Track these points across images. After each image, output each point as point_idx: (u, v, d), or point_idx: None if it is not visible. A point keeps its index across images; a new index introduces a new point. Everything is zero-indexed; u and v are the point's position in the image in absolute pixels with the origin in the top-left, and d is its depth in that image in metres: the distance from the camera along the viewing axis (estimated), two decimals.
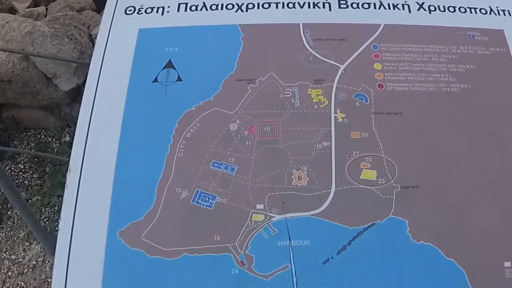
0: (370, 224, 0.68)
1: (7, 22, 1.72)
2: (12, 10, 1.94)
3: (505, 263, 0.67)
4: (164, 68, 0.79)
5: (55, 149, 1.82)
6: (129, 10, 0.85)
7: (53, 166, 1.78)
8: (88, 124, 0.76)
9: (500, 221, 0.69)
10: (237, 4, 0.84)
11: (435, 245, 0.67)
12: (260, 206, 0.69)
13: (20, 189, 1.72)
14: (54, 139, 1.86)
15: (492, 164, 0.72)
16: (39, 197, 1.76)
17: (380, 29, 0.82)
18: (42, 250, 1.61)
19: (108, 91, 0.79)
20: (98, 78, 0.80)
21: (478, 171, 0.71)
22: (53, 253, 0.72)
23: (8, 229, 1.68)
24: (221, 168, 0.70)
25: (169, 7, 0.85)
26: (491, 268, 0.66)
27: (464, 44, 0.81)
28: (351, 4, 0.84)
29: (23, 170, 1.82)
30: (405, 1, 0.84)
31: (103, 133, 0.75)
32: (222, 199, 0.69)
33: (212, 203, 0.69)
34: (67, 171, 0.72)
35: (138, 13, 0.85)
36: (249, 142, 0.72)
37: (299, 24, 0.83)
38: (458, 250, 0.67)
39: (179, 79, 0.77)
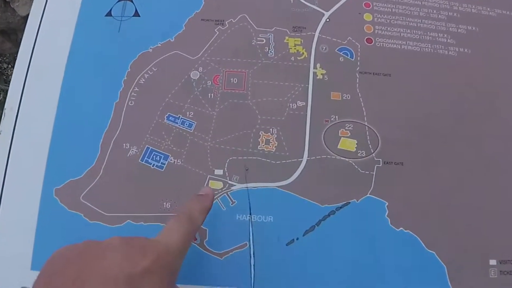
0: (344, 203, 0.58)
1: None
2: None
3: (491, 261, 0.57)
4: (119, 0, 0.63)
5: (10, 76, 1.65)
6: None
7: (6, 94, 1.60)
8: (28, 61, 0.63)
9: (490, 212, 0.59)
10: None
11: (416, 234, 0.57)
12: (219, 172, 0.58)
13: None
14: (9, 66, 1.68)
15: (489, 143, 0.62)
16: None
17: None
18: None
19: (54, 23, 0.65)
20: (44, 7, 0.66)
21: (473, 152, 0.61)
22: None
23: None
24: (177, 123, 0.58)
25: None
26: (475, 266, 0.57)
27: (468, 1, 0.68)
28: None
29: None
30: None
31: (45, 72, 0.62)
32: (175, 160, 0.58)
33: (164, 164, 0.58)
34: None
35: None
36: (212, 95, 0.60)
37: None
38: (441, 242, 0.57)
39: (136, 14, 0.63)
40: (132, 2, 0.64)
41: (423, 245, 0.56)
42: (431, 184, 0.59)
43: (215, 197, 0.56)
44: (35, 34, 0.64)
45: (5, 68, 1.71)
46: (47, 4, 0.66)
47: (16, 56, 0.60)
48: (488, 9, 0.68)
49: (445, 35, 0.65)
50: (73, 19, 0.65)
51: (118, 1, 0.64)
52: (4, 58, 1.72)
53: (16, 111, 0.60)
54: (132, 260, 0.36)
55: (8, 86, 0.58)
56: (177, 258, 0.40)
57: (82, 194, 0.56)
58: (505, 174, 0.60)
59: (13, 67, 1.65)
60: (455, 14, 0.66)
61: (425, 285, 0.55)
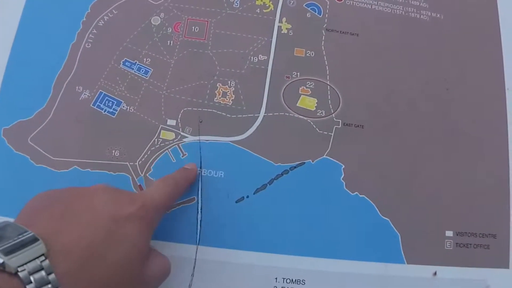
0: (299, 163, 0.51)
1: None
2: None
3: (447, 232, 0.52)
4: None
5: None
6: None
7: None
8: None
9: (448, 183, 0.53)
10: None
11: (371, 200, 0.51)
12: (171, 122, 0.52)
13: None
14: None
15: (456, 111, 0.56)
16: None
17: None
18: None
19: None
20: None
21: (438, 119, 0.55)
22: None
23: None
24: (133, 68, 0.51)
25: None
26: (430, 236, 0.52)
27: None
28: None
29: None
30: None
31: (3, 7, 0.55)
32: (128, 107, 0.52)
33: (116, 110, 0.51)
34: None
35: None
36: (172, 42, 0.53)
37: None
38: (396, 209, 0.51)
39: None
40: None
41: (378, 212, 0.51)
42: (391, 150, 0.53)
43: (165, 148, 0.50)
44: None
45: None
46: None
47: None
48: None
49: None
50: None
51: None
52: None
53: None
54: (119, 204, 0.35)
55: None
56: (159, 212, 0.40)
57: (31, 136, 0.50)
58: (470, 144, 0.55)
59: None
60: None
61: (376, 252, 0.50)
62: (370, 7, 0.57)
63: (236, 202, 0.50)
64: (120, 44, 0.53)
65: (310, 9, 0.56)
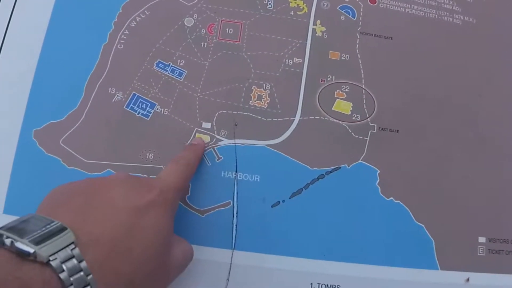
0: (334, 167, 0.50)
1: None
2: None
3: (480, 238, 0.51)
4: None
5: None
6: None
7: None
8: None
9: (483, 189, 0.52)
10: None
11: (406, 205, 0.50)
12: (206, 125, 0.50)
13: None
14: None
15: (486, 118, 0.55)
16: None
17: None
18: None
19: None
20: None
21: (469, 125, 0.54)
22: None
23: None
24: (166, 70, 0.50)
25: None
26: (463, 242, 0.51)
27: None
28: None
29: None
30: None
31: (32, 7, 0.54)
32: (162, 109, 0.50)
33: (150, 112, 0.50)
34: None
35: None
36: (206, 44, 0.52)
37: None
38: (431, 215, 0.50)
39: None
40: None
41: (412, 217, 0.50)
42: (426, 155, 0.52)
43: None
44: None
45: None
46: None
47: None
48: None
49: (451, 2, 0.58)
50: None
51: None
52: None
53: (1, 41, 0.52)
54: (138, 192, 0.35)
55: None
56: (176, 195, 0.40)
57: (62, 138, 0.49)
58: (500, 151, 0.54)
59: None
60: None
61: (411, 258, 0.49)
62: (403, 10, 0.56)
63: (272, 206, 0.49)
64: (153, 45, 0.52)
65: (344, 11, 0.55)
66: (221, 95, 0.50)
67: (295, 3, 0.54)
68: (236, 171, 0.49)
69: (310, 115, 0.51)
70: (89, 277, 0.29)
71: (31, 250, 0.28)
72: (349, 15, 0.55)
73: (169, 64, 0.51)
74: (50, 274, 0.28)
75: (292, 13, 0.54)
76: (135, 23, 0.52)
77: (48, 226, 0.30)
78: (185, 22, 0.53)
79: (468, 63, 0.56)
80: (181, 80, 0.50)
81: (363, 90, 0.52)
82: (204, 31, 0.53)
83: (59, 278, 0.28)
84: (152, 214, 0.35)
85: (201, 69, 0.51)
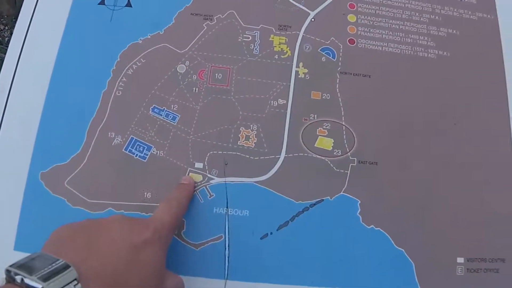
0: (318, 200, 0.54)
1: None
2: None
3: (458, 258, 0.54)
4: None
5: (6, 38, 1.58)
6: None
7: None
8: (22, 43, 0.59)
9: (459, 212, 0.56)
10: None
11: (386, 232, 0.54)
12: (199, 165, 0.55)
13: None
14: (7, 27, 1.61)
15: (462, 144, 0.59)
16: None
17: None
18: None
19: (49, 9, 0.61)
20: None
21: (448, 154, 0.58)
22: None
23: None
24: (161, 115, 0.54)
25: None
26: (442, 263, 0.54)
27: (450, 4, 0.64)
28: None
29: None
30: None
31: (37, 56, 0.58)
32: (158, 151, 0.55)
33: (147, 155, 0.54)
34: None
35: None
36: (197, 89, 0.56)
37: None
38: (410, 239, 0.54)
39: (128, 4, 0.58)
40: None
41: (393, 243, 0.54)
42: (404, 184, 0.56)
43: (195, 190, 0.53)
44: (29, 18, 0.60)
45: (1, 30, 1.62)
46: None
47: (14, 19, 0.56)
48: (470, 12, 0.64)
49: (426, 38, 0.61)
50: (67, 6, 0.61)
51: None
52: (2, 20, 1.63)
53: (7, 92, 0.56)
54: (135, 231, 0.39)
55: (4, 54, 0.54)
56: (169, 233, 0.44)
57: (67, 180, 0.53)
58: (477, 173, 0.58)
59: (10, 29, 1.59)
60: (437, 17, 0.62)
61: (393, 282, 0.53)
62: (381, 48, 0.60)
63: (261, 238, 0.52)
64: (149, 91, 0.56)
65: (325, 53, 0.59)
66: (212, 137, 0.55)
67: (279, 47, 0.58)
68: (227, 207, 0.53)
69: (294, 152, 0.55)
70: None
71: (40, 286, 0.32)
72: (330, 56, 0.59)
73: (164, 109, 0.55)
74: None
75: (277, 57, 0.58)
76: (132, 71, 0.57)
77: (53, 264, 0.34)
78: (177, 69, 0.57)
79: (444, 95, 0.60)
80: (175, 124, 0.55)
81: (343, 126, 0.56)
82: (196, 77, 0.57)
83: None
84: (148, 251, 0.39)
85: (193, 113, 0.55)
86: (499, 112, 0.60)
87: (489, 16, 0.64)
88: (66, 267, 0.34)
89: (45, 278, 0.32)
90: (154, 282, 0.40)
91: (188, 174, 0.53)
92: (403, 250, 0.54)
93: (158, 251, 0.40)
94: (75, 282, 0.33)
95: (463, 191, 0.56)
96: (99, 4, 0.60)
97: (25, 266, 0.33)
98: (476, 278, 0.54)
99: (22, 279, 0.32)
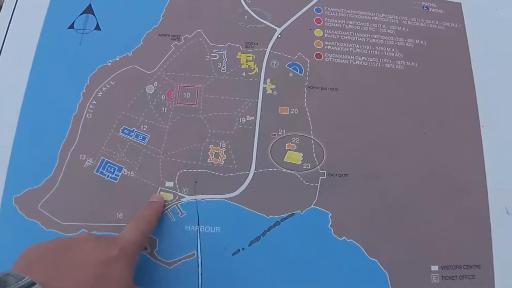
0: (289, 214, 0.55)
1: None
2: None
3: (432, 266, 0.55)
4: (82, 13, 0.62)
5: None
6: None
7: None
8: None
9: (431, 221, 0.57)
10: None
11: (358, 243, 0.55)
12: (169, 184, 0.56)
13: None
14: None
15: (433, 153, 0.60)
16: None
17: None
18: None
19: (20, 33, 0.62)
20: (10, 18, 0.63)
21: (415, 163, 0.59)
22: None
23: None
24: (131, 136, 0.55)
25: None
26: (416, 271, 0.55)
27: (417, 15, 0.65)
28: None
29: None
30: None
31: (9, 80, 0.60)
32: (129, 172, 0.56)
33: (118, 175, 0.56)
34: None
35: None
36: (166, 109, 0.57)
37: None
38: (383, 249, 0.55)
39: (97, 27, 0.60)
40: (94, 15, 0.60)
41: (365, 254, 0.55)
42: (375, 194, 0.57)
43: (165, 209, 0.54)
44: (1, 44, 0.62)
45: None
46: (13, 15, 0.63)
47: None
48: (437, 22, 0.65)
49: (393, 49, 0.62)
50: (37, 32, 0.62)
51: (80, 14, 0.60)
52: None
53: None
54: (102, 249, 0.41)
55: None
56: (137, 251, 0.45)
57: (40, 203, 0.54)
58: (449, 182, 0.59)
59: None
60: (403, 28, 0.63)
61: None
62: (348, 62, 0.62)
63: (233, 254, 0.53)
64: (119, 113, 0.57)
65: (292, 68, 0.61)
66: (181, 156, 0.56)
67: (247, 64, 0.60)
68: (198, 225, 0.54)
69: (263, 168, 0.56)
70: None
71: None
72: (297, 71, 0.60)
73: (134, 129, 0.57)
74: None
75: (244, 74, 0.60)
76: (101, 93, 0.58)
77: (20, 282, 0.35)
78: (146, 89, 0.58)
79: (413, 105, 0.61)
80: (145, 144, 0.56)
81: (312, 140, 0.57)
82: (164, 97, 0.58)
83: None
84: (115, 268, 0.40)
85: (162, 132, 0.57)
86: (470, 119, 0.62)
87: (456, 25, 0.66)
88: (31, 284, 0.35)
89: None
90: None
91: (159, 193, 0.54)
92: (376, 260, 0.55)
93: (125, 268, 0.41)
94: None
95: (435, 199, 0.58)
96: (68, 28, 0.61)
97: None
98: (451, 285, 0.55)
99: None
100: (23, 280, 0.35)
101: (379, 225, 0.56)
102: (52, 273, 0.37)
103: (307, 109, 0.59)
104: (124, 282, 0.41)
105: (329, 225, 0.55)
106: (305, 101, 0.59)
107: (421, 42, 0.64)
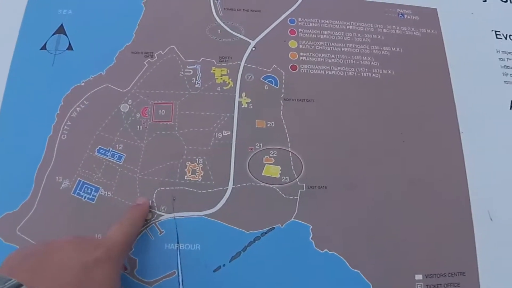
0: (269, 228, 0.56)
1: None
2: None
3: (416, 275, 0.56)
4: (54, 33, 0.62)
5: None
6: None
7: None
8: None
9: (414, 229, 0.58)
10: None
11: (340, 255, 0.55)
12: None
13: None
14: None
15: (412, 161, 0.60)
16: None
17: (300, 0, 0.65)
18: None
19: None
20: None
21: (395, 172, 0.59)
22: None
23: None
24: (107, 155, 0.56)
25: None
26: (400, 281, 0.55)
27: (392, 23, 0.65)
28: None
29: None
30: None
31: None
32: (106, 192, 0.56)
33: (95, 196, 0.56)
34: None
35: None
36: (141, 127, 0.57)
37: None
38: (365, 260, 0.55)
39: (70, 47, 0.60)
40: (66, 35, 0.60)
41: (348, 265, 0.55)
42: (355, 205, 0.57)
43: (144, 228, 0.54)
44: None
45: None
46: None
47: None
48: (413, 29, 0.65)
49: (369, 58, 0.63)
50: (9, 53, 0.62)
51: (52, 35, 0.60)
52: None
53: None
54: (86, 251, 0.40)
55: None
56: (122, 253, 0.46)
57: (18, 227, 0.54)
58: (430, 189, 0.59)
59: None
60: (379, 36, 0.64)
61: None
62: (323, 72, 0.62)
63: (214, 271, 0.53)
64: (93, 133, 0.58)
65: (267, 81, 0.61)
66: (158, 173, 0.56)
67: (221, 79, 0.60)
68: (178, 242, 0.54)
69: (242, 183, 0.56)
70: None
71: None
72: (272, 84, 0.61)
73: (109, 149, 0.57)
74: None
75: (219, 89, 0.60)
76: (76, 114, 0.58)
77: (7, 284, 0.35)
78: (121, 108, 0.59)
79: (391, 113, 0.62)
80: (121, 163, 0.56)
81: (290, 153, 0.58)
82: (139, 115, 0.58)
83: None
84: (99, 270, 0.40)
85: (138, 151, 0.57)
86: (449, 126, 0.62)
87: (433, 31, 0.66)
88: (18, 286, 0.35)
89: None
90: None
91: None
92: (359, 271, 0.55)
93: (110, 270, 0.42)
94: None
95: (416, 208, 0.58)
96: (41, 49, 0.61)
97: None
98: None
99: None
100: (10, 282, 0.35)
101: (361, 235, 0.56)
102: (36, 276, 0.37)
103: (284, 122, 0.59)
104: (110, 285, 0.41)
105: (310, 238, 0.55)
106: (281, 113, 0.59)
107: (398, 49, 0.64)
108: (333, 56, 0.63)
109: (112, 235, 0.46)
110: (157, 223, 0.55)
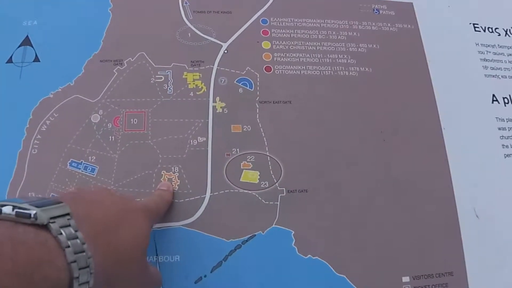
0: (250, 235, 0.56)
1: None
2: None
3: (403, 278, 0.57)
4: (20, 45, 0.63)
5: None
6: None
7: None
8: None
9: (398, 230, 0.59)
10: None
11: (324, 260, 0.56)
12: None
13: None
14: None
15: (394, 160, 0.62)
16: None
17: None
18: None
19: None
20: None
21: (377, 172, 0.60)
22: None
23: None
24: (79, 168, 0.56)
25: None
26: (387, 284, 0.56)
27: (367, 19, 0.67)
28: None
29: None
30: None
31: None
32: None
33: None
34: None
35: None
36: (113, 137, 0.58)
37: None
38: (350, 264, 0.56)
39: (36, 59, 0.60)
40: (32, 47, 0.61)
41: (333, 270, 0.56)
42: (337, 208, 0.58)
43: None
44: None
45: None
46: None
47: None
48: (389, 24, 0.67)
49: (345, 56, 0.64)
50: None
51: (18, 47, 0.60)
52: None
53: None
54: (125, 200, 0.43)
55: None
56: (154, 216, 0.49)
57: None
58: (414, 188, 0.60)
59: None
60: (355, 33, 0.65)
61: None
62: (299, 72, 0.63)
63: (195, 282, 0.54)
64: (65, 145, 0.58)
65: (241, 84, 0.62)
66: (133, 184, 0.57)
67: (194, 84, 0.61)
68: (156, 255, 0.55)
69: (219, 190, 0.57)
70: (84, 246, 0.32)
71: (33, 212, 0.30)
72: (247, 86, 0.62)
73: (82, 161, 0.58)
74: (45, 236, 0.30)
75: (192, 94, 0.61)
76: (45, 127, 0.59)
77: (44, 199, 0.33)
78: (91, 119, 0.59)
79: (370, 112, 0.63)
80: (94, 176, 0.57)
81: (268, 157, 0.59)
82: (111, 125, 0.59)
83: (56, 240, 0.30)
84: (136, 215, 0.42)
85: (111, 162, 0.58)
86: (430, 122, 0.63)
87: (409, 26, 0.68)
88: (58, 202, 0.33)
89: (38, 205, 0.31)
90: (141, 247, 0.42)
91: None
92: (345, 276, 0.56)
93: (145, 220, 0.43)
94: (69, 216, 0.33)
95: (399, 208, 0.59)
96: (7, 62, 0.61)
97: (12, 200, 0.32)
98: None
99: (13, 208, 0.30)
100: (47, 198, 0.34)
101: (344, 239, 0.57)
102: (74, 204, 0.36)
103: (260, 125, 0.60)
104: (142, 231, 0.42)
105: (292, 244, 0.56)
106: (257, 116, 0.60)
107: (374, 46, 0.65)
108: (308, 55, 0.64)
109: (145, 201, 0.49)
110: None
